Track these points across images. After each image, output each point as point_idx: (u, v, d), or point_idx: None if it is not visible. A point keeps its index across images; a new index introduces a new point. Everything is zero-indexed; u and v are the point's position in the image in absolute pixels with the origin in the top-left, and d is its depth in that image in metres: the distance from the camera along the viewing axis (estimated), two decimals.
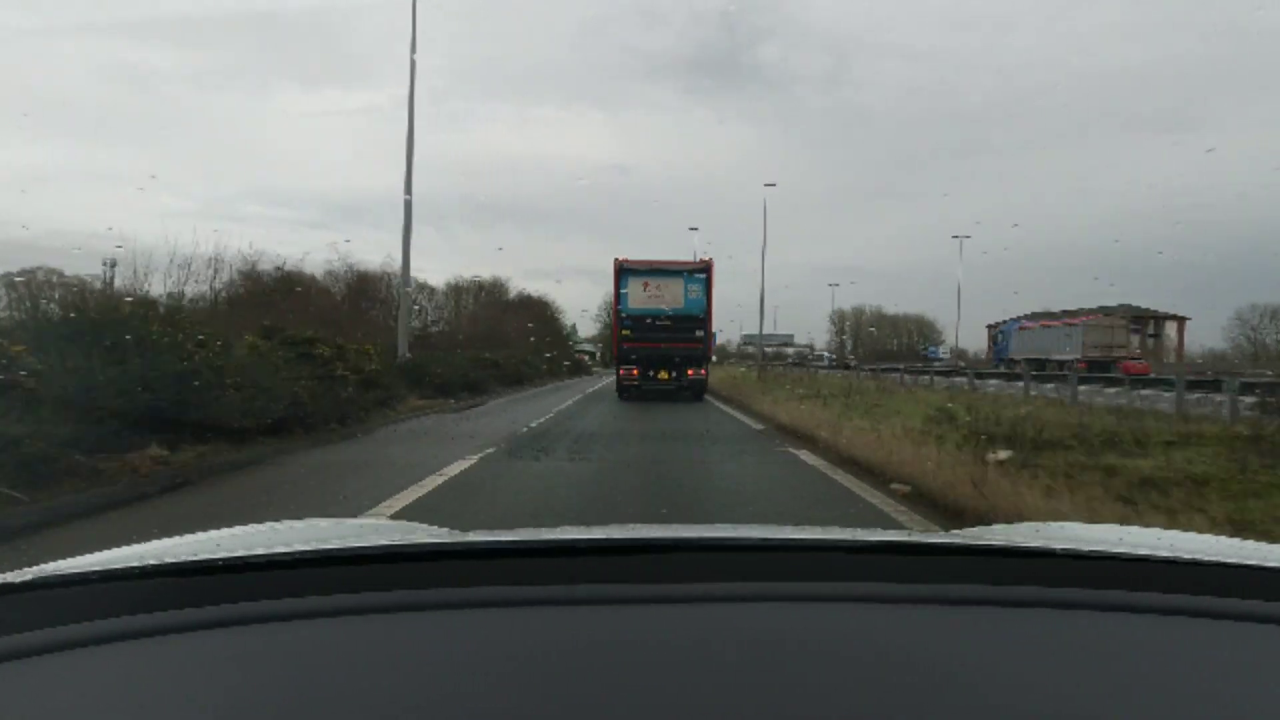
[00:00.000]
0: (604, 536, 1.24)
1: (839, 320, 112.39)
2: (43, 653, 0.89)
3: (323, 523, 1.82)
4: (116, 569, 1.10)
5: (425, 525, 1.91)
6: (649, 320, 23.97)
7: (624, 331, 24.23)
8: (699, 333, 24.14)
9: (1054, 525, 1.90)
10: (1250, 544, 1.41)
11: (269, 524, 1.72)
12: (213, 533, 1.56)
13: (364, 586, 1.03)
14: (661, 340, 23.85)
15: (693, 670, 0.84)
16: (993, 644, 0.93)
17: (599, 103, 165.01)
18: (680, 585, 1.04)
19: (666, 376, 23.95)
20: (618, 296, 24.46)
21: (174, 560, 1.14)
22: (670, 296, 24.18)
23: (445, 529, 1.79)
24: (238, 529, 1.66)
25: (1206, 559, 1.12)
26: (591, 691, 0.81)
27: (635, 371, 24.12)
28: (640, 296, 24.21)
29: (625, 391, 24.48)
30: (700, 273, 24.52)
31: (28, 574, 1.08)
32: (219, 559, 1.10)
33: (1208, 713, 0.80)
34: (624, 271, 24.39)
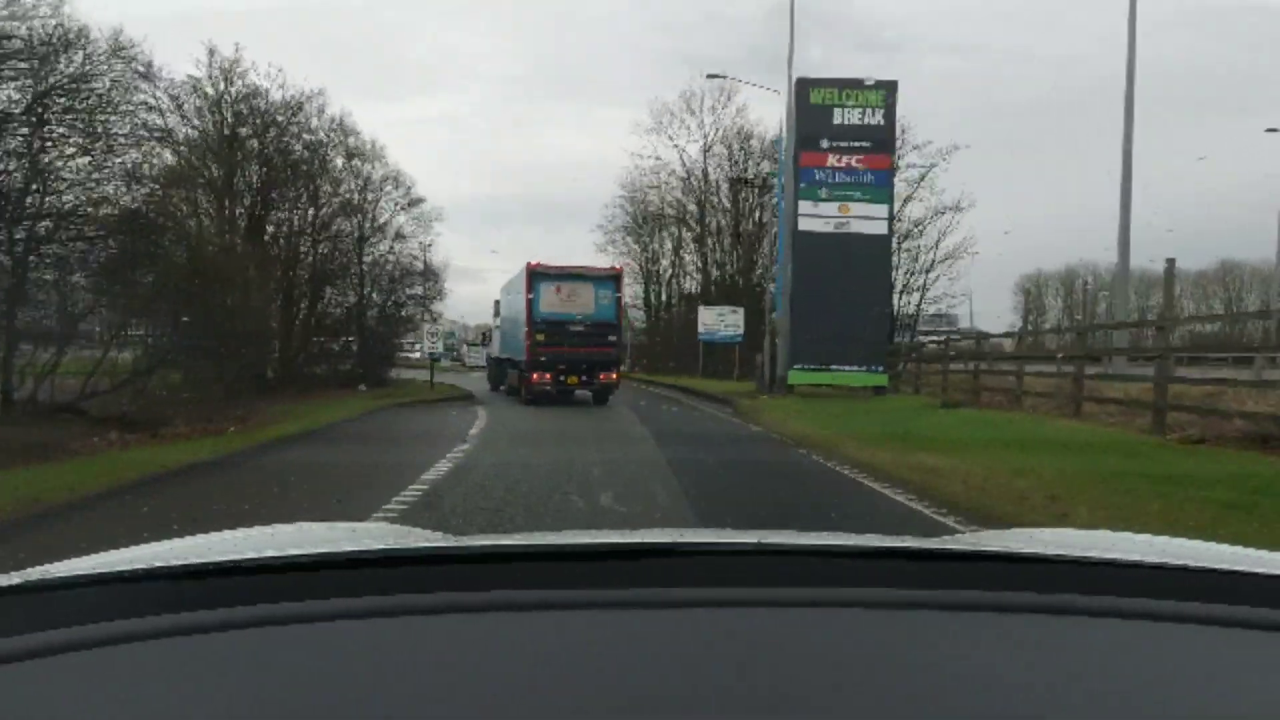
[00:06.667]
0: (604, 541, 1.24)
1: (1034, 289, 74.10)
2: (32, 658, 0.89)
3: (317, 527, 1.81)
4: (108, 573, 1.09)
5: (420, 530, 1.91)
6: (562, 325, 23.56)
7: (538, 336, 23.56)
8: (611, 338, 24.21)
9: (1049, 531, 1.93)
10: (1240, 550, 1.43)
11: (264, 528, 1.71)
12: (211, 535, 1.56)
13: (361, 591, 1.03)
14: (575, 345, 23.51)
15: (692, 675, 0.84)
16: (987, 648, 0.93)
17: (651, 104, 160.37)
18: (680, 590, 1.03)
19: (576, 381, 23.47)
20: (530, 301, 23.71)
21: (166, 564, 1.13)
22: (582, 302, 23.84)
23: (441, 534, 1.77)
24: (235, 532, 1.66)
25: (1194, 565, 1.14)
26: (591, 696, 0.81)
27: (549, 376, 23.31)
28: (553, 300, 23.67)
29: (536, 399, 23.56)
30: (610, 280, 24.61)
31: (17, 577, 1.07)
32: (211, 563, 1.10)
33: (1195, 717, 0.81)
34: (535, 275, 23.81)
